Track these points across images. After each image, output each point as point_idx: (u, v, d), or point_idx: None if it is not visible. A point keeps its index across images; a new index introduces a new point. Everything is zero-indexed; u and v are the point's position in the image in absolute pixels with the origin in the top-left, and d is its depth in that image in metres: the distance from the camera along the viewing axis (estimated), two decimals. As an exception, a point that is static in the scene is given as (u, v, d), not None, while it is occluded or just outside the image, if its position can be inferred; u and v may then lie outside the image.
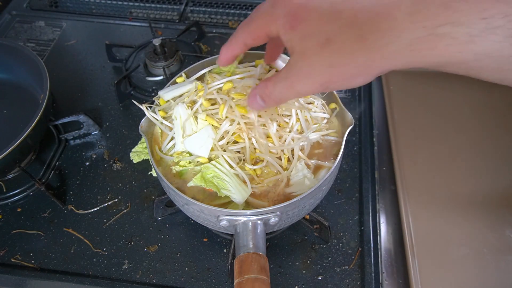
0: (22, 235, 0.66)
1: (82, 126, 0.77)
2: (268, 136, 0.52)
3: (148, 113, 0.56)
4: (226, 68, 0.59)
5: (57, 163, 0.74)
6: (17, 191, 0.70)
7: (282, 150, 0.52)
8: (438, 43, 0.28)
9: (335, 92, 0.58)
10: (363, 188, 0.69)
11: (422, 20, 0.28)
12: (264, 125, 0.52)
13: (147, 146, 0.54)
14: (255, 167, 0.51)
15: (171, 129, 0.56)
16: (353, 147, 0.75)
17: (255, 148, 0.52)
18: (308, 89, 0.36)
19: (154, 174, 0.65)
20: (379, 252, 0.62)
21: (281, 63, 0.57)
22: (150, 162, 0.54)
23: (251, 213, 0.48)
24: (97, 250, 0.64)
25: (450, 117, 0.78)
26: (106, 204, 0.69)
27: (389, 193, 0.70)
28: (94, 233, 0.66)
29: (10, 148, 0.60)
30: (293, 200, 0.48)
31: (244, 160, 0.53)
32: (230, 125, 0.52)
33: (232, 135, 0.52)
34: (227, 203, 0.52)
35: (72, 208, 0.69)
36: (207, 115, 0.53)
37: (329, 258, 0.62)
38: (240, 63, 0.61)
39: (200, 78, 0.61)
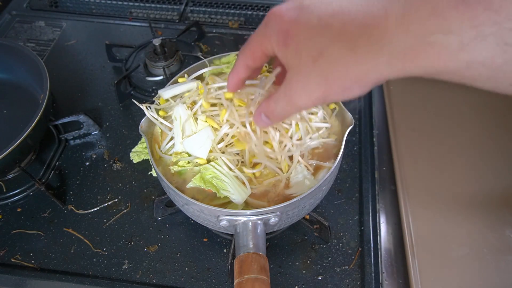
0: (22, 235, 0.66)
1: (82, 126, 0.77)
2: (267, 142, 0.52)
3: (148, 113, 0.56)
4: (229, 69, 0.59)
5: (57, 163, 0.74)
6: (17, 191, 0.70)
7: (281, 156, 0.52)
8: (430, 52, 0.28)
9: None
10: (363, 188, 0.69)
11: (413, 29, 0.28)
12: (265, 131, 0.52)
13: (147, 146, 0.54)
14: (253, 170, 0.51)
15: (170, 129, 0.56)
16: (353, 147, 0.75)
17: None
18: (307, 103, 0.36)
19: (154, 174, 0.65)
20: (379, 252, 0.62)
21: None
22: (150, 162, 0.54)
23: (251, 213, 0.48)
24: (97, 250, 0.64)
25: (450, 117, 0.78)
26: (106, 204, 0.69)
27: (389, 193, 0.70)
28: (94, 233, 0.66)
29: (10, 148, 0.60)
30: (293, 200, 0.48)
31: (242, 162, 0.53)
32: (230, 128, 0.52)
33: (232, 137, 0.52)
34: (227, 203, 0.52)
35: (72, 208, 0.69)
36: (207, 116, 0.53)
37: (329, 258, 0.62)
38: None
39: (200, 78, 0.61)
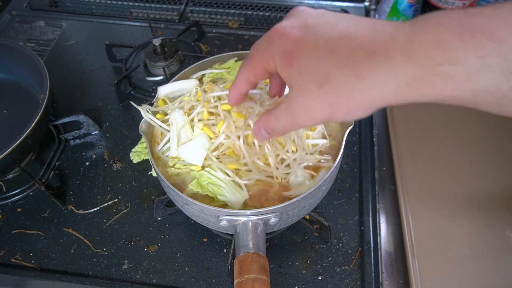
0: (22, 235, 0.66)
1: (82, 126, 0.77)
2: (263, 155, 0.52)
3: (146, 115, 0.56)
4: (231, 76, 0.59)
5: (57, 163, 0.74)
6: (17, 191, 0.70)
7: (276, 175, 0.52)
8: (436, 82, 0.29)
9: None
10: (363, 188, 0.69)
11: (419, 60, 0.29)
12: (260, 145, 0.52)
13: (147, 146, 0.55)
14: (248, 182, 0.51)
15: (168, 131, 0.56)
16: (353, 147, 0.75)
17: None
18: (309, 123, 0.36)
19: (154, 174, 0.65)
20: (379, 252, 0.62)
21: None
22: (150, 162, 0.55)
23: (251, 213, 0.48)
24: (97, 250, 0.64)
25: (450, 117, 0.78)
26: (106, 204, 0.69)
27: (389, 193, 0.70)
28: (94, 233, 0.66)
29: (10, 148, 0.60)
30: (293, 200, 0.48)
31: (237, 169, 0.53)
32: (225, 138, 0.52)
33: (227, 149, 0.52)
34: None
35: (72, 208, 0.69)
36: (204, 124, 0.53)
37: (329, 258, 0.62)
38: None
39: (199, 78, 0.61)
